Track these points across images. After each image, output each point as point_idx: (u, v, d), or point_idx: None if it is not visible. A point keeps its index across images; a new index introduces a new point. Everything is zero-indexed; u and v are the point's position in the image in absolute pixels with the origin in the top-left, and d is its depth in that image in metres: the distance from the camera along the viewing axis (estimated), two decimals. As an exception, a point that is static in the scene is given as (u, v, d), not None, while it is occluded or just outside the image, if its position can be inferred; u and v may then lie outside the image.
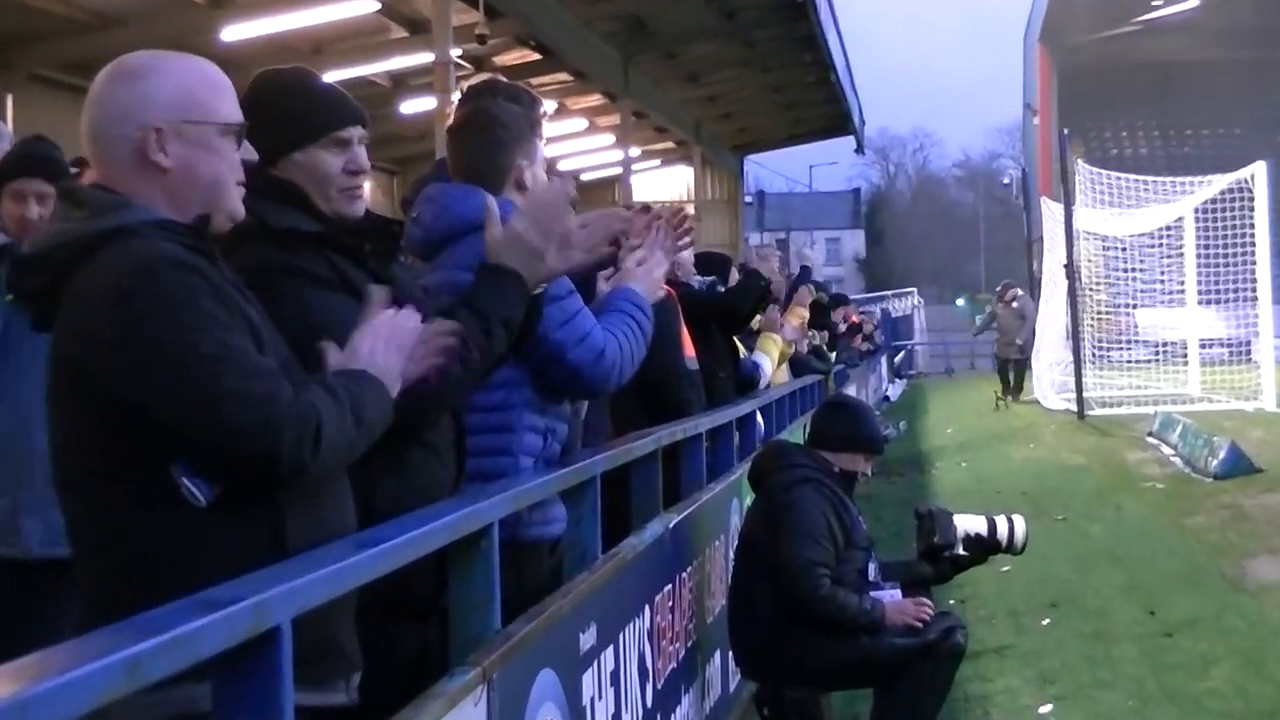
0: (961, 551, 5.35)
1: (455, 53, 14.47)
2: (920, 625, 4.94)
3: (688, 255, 6.67)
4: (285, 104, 2.76)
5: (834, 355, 13.97)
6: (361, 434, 2.24)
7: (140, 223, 2.18)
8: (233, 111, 2.33)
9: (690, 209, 4.51)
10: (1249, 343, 21.21)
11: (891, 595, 5.05)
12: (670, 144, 28.49)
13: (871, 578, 5.09)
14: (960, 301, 62.80)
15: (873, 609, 4.91)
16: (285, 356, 2.28)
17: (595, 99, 22.64)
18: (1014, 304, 23.15)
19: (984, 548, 5.38)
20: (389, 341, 2.37)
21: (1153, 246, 21.67)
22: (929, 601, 5.12)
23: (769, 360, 8.37)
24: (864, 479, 5.39)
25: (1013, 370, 22.65)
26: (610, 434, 4.54)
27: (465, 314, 2.81)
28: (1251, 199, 19.52)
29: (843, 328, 16.42)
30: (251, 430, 2.07)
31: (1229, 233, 20.37)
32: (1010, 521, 5.40)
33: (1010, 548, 5.41)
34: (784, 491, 5.06)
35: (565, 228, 2.97)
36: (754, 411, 7.19)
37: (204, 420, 2.07)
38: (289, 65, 2.88)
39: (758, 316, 8.05)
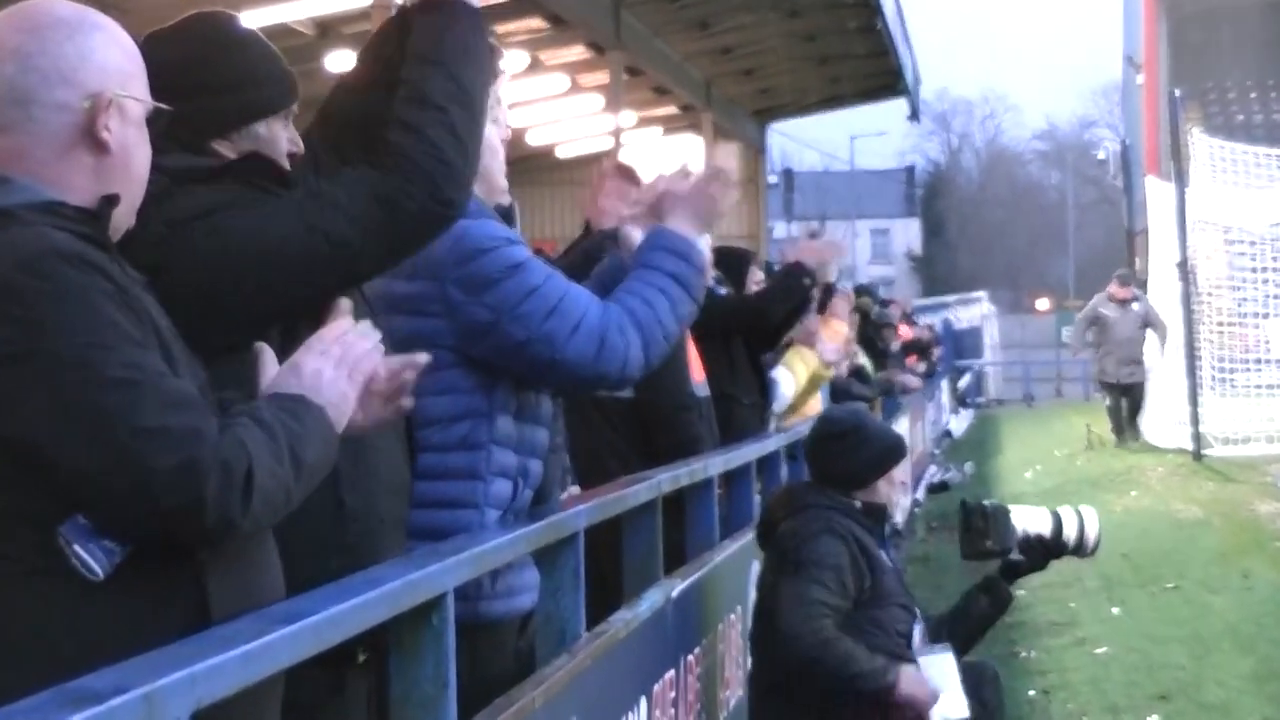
0: (1017, 556, 5.39)
1: (399, -8, 14.49)
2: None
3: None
4: (254, 60, 2.76)
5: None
6: (300, 481, 2.24)
7: (23, 205, 2.17)
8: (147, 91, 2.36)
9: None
10: None
11: (943, 658, 5.04)
12: (674, 109, 28.51)
13: (917, 643, 5.10)
14: (1041, 304, 62.92)
15: (884, 670, 4.86)
16: (202, 380, 2.27)
17: (579, 51, 22.67)
18: (1133, 305, 21.02)
19: (1046, 550, 5.42)
20: (340, 364, 2.36)
21: (1290, 240, 21.67)
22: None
23: (791, 379, 8.26)
24: (904, 492, 5.39)
25: (1126, 401, 21.17)
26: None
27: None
28: None
29: (896, 346, 16.45)
30: (170, 475, 2.06)
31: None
32: (1079, 515, 5.42)
33: (1080, 548, 5.44)
34: (793, 538, 5.04)
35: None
36: (779, 450, 7.19)
37: (110, 462, 2.05)
38: (211, 9, 2.86)
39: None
